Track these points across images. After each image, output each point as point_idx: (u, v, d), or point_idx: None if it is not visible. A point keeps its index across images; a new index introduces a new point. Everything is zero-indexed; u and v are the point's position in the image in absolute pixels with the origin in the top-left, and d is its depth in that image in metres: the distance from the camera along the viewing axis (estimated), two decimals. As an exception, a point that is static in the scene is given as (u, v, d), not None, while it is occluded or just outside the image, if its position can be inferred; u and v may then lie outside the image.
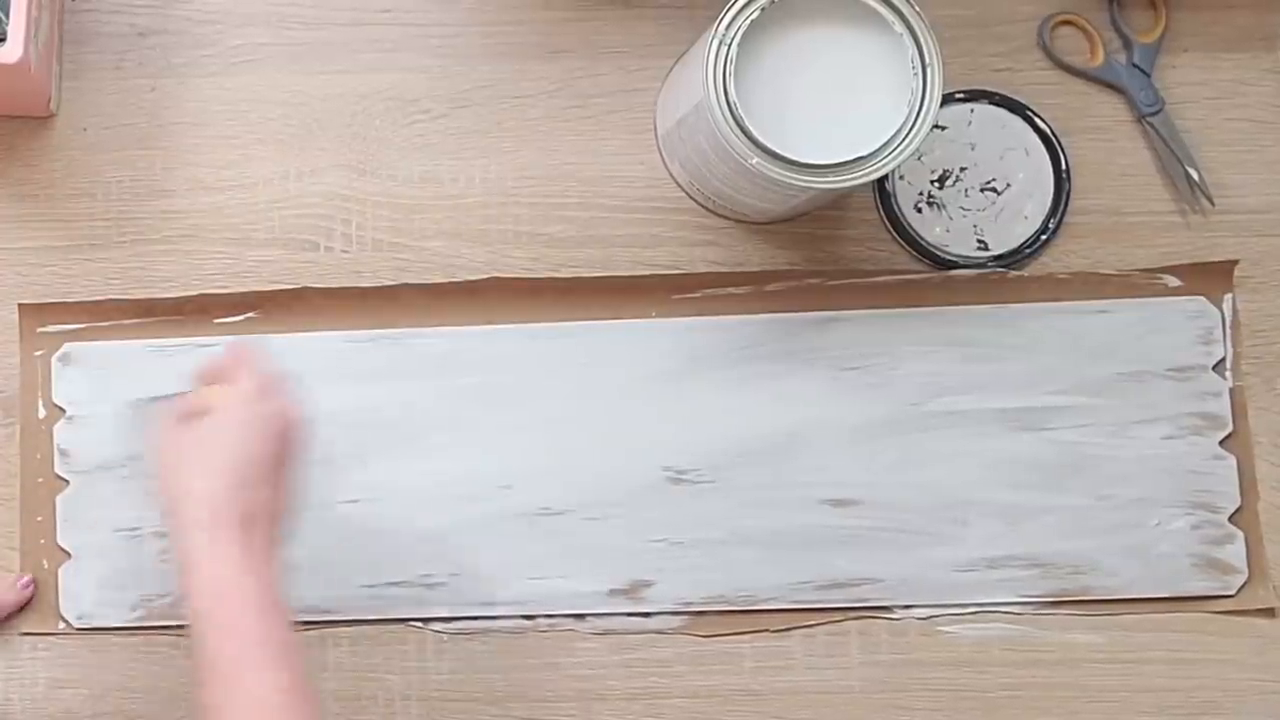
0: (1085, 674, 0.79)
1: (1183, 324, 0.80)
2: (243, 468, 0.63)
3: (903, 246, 0.82)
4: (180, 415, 0.67)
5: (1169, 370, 0.80)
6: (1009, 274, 0.81)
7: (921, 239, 0.81)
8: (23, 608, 0.79)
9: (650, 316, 0.81)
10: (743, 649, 0.79)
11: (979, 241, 0.82)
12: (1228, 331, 0.81)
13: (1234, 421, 0.80)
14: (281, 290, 0.81)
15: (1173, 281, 0.81)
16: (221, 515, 0.62)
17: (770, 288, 0.81)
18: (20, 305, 0.81)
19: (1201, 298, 0.81)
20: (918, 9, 0.70)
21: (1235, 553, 0.79)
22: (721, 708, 0.79)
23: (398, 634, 0.80)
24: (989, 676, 0.79)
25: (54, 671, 0.79)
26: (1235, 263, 0.81)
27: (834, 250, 0.82)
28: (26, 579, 0.79)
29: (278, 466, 0.64)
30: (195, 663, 0.60)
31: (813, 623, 0.79)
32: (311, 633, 0.79)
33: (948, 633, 0.79)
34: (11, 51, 0.73)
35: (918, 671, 0.79)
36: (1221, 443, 0.80)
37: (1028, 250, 0.81)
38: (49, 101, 0.81)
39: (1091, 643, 0.79)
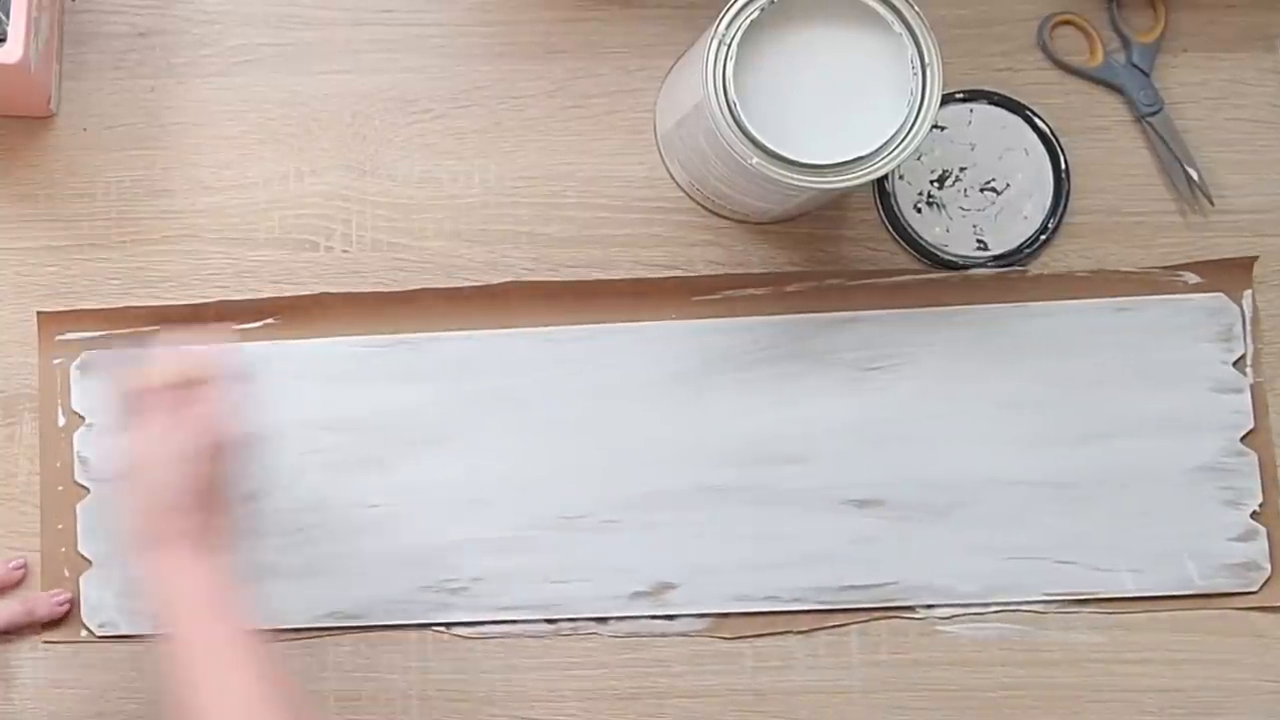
0: (1086, 674, 0.79)
1: (1202, 320, 0.80)
2: (177, 495, 0.66)
3: (902, 246, 0.82)
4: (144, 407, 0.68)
5: (1189, 367, 0.80)
6: (1027, 273, 0.81)
7: (921, 239, 0.81)
8: (55, 623, 0.79)
9: (668, 319, 0.81)
10: (743, 649, 0.79)
11: (978, 241, 0.82)
12: (1248, 327, 0.80)
13: (1255, 418, 0.80)
14: (300, 296, 0.81)
15: (1191, 278, 0.81)
16: (165, 536, 0.65)
17: (789, 289, 0.81)
18: (39, 313, 0.81)
19: (1221, 294, 0.80)
20: (917, 9, 0.70)
21: (1258, 549, 0.79)
22: (722, 707, 0.79)
23: (399, 634, 0.80)
24: (989, 676, 0.79)
25: (55, 672, 0.79)
26: (1254, 259, 0.81)
27: (834, 250, 0.82)
28: (63, 596, 0.79)
29: (214, 487, 0.66)
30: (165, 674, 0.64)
31: (837, 624, 0.79)
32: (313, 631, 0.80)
33: (950, 632, 0.79)
34: (11, 51, 0.73)
35: (918, 671, 0.79)
36: (1243, 439, 0.80)
37: (1027, 250, 0.81)
38: (49, 101, 0.81)
39: (1093, 642, 0.79)
